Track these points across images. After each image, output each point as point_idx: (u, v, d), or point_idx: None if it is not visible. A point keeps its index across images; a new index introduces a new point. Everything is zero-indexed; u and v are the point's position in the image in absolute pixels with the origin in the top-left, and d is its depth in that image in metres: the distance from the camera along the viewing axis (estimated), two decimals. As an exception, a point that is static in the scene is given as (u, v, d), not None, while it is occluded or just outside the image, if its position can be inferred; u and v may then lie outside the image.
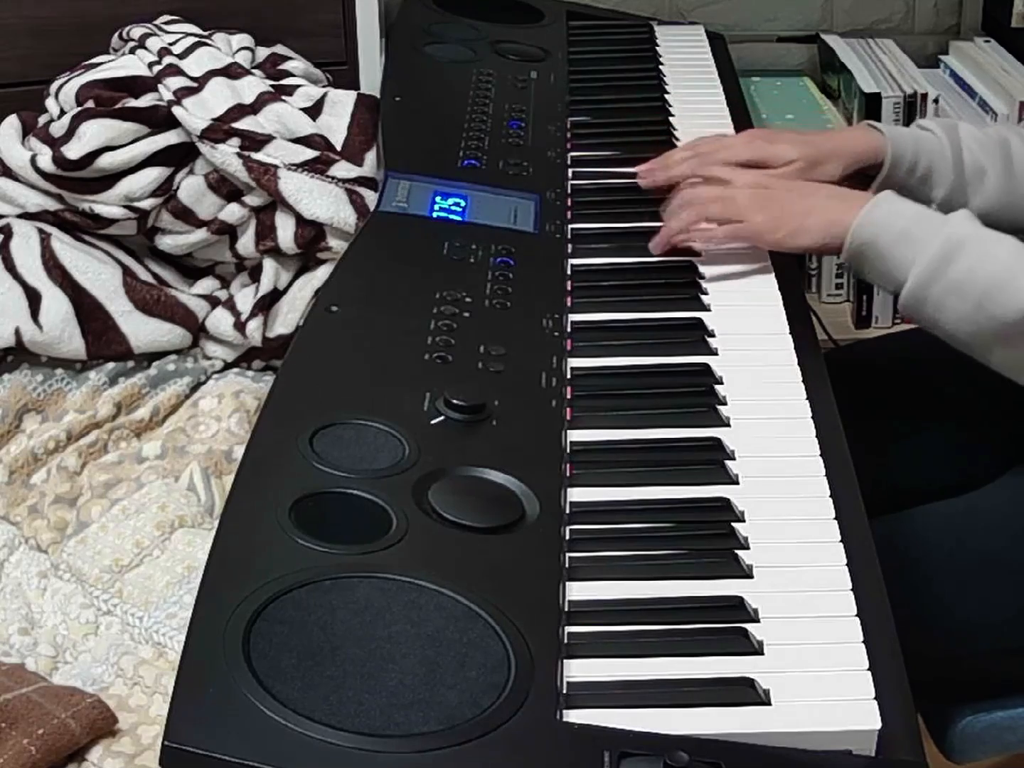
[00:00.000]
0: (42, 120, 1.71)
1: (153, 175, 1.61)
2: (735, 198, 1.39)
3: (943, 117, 2.13)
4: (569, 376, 1.28)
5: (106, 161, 1.59)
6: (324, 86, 1.80)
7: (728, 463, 1.17)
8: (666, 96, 1.83)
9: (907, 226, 1.29)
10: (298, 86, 1.74)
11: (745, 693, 0.95)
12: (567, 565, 1.06)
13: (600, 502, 1.14)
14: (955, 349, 1.29)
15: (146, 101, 1.66)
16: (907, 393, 1.56)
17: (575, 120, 1.76)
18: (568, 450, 1.18)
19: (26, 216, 1.63)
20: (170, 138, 1.63)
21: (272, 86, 1.71)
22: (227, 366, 1.62)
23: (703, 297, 1.40)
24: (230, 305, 1.62)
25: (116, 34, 1.83)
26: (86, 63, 1.75)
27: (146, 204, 1.61)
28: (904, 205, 1.32)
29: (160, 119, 1.63)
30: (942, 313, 1.27)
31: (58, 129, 1.63)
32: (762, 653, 0.99)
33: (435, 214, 1.51)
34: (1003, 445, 1.50)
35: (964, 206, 1.47)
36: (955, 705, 1.36)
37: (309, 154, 1.63)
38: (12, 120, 1.69)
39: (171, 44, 1.74)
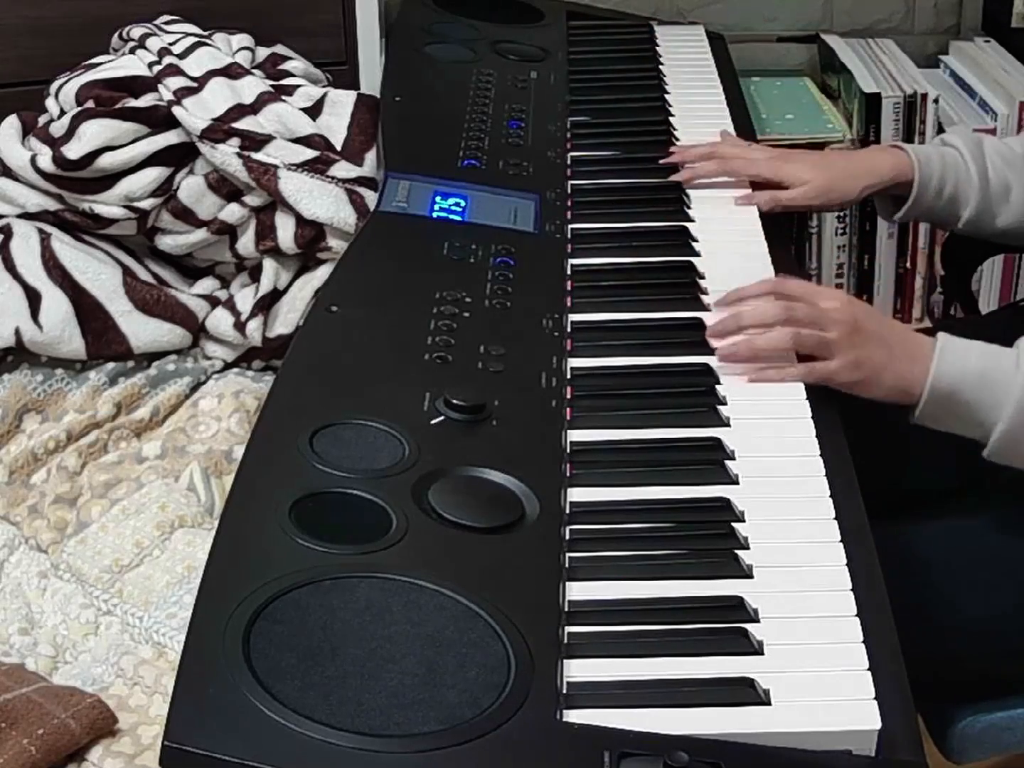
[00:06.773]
0: (42, 120, 1.71)
1: (153, 175, 1.61)
2: (832, 340, 1.27)
3: (961, 126, 2.13)
4: (569, 376, 1.28)
5: (106, 161, 1.59)
6: (324, 86, 1.80)
7: (728, 463, 1.17)
8: (666, 96, 1.83)
9: (982, 369, 1.23)
10: (298, 86, 1.74)
11: (745, 693, 0.95)
12: (567, 565, 1.06)
13: (600, 502, 1.14)
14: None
15: (146, 101, 1.66)
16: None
17: (575, 120, 1.76)
18: (568, 450, 1.18)
19: (26, 216, 1.63)
20: (170, 138, 1.63)
21: (272, 86, 1.71)
22: (227, 366, 1.62)
23: (703, 297, 1.40)
24: (230, 305, 1.62)
25: (116, 34, 1.83)
26: (86, 63, 1.75)
27: (146, 204, 1.61)
28: (967, 346, 1.25)
29: (160, 119, 1.63)
30: None
31: (58, 129, 1.63)
32: (762, 653, 0.99)
33: (435, 214, 1.51)
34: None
35: (992, 224, 1.48)
36: (955, 705, 1.36)
37: (309, 154, 1.63)
38: (12, 120, 1.69)
39: (171, 44, 1.74)
